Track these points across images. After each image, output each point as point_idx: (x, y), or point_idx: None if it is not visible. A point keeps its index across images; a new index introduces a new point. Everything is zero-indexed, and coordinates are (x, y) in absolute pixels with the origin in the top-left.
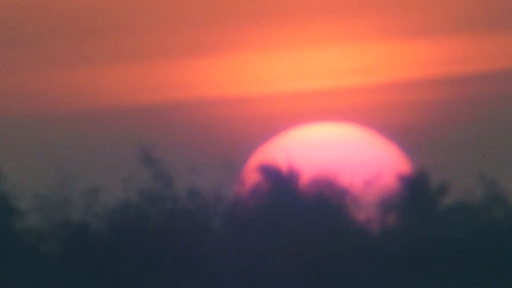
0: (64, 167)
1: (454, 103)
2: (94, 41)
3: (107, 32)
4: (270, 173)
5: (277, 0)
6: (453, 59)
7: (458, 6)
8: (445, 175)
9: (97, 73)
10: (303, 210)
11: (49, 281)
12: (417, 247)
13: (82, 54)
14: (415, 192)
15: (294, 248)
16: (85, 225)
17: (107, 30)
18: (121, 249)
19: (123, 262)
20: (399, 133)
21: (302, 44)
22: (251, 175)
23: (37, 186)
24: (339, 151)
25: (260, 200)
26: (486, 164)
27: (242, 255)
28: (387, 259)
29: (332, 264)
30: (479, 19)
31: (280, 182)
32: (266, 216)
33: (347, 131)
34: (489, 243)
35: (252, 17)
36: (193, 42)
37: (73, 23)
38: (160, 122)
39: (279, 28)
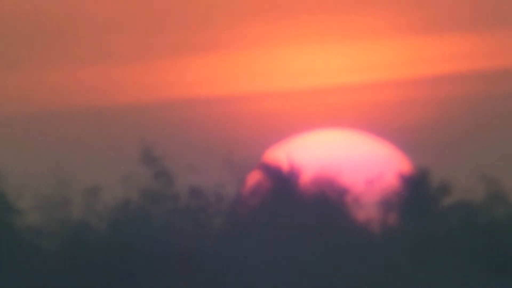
0: (64, 166)
1: (454, 101)
2: (94, 40)
3: (107, 31)
4: (272, 172)
5: None
6: (452, 57)
7: (458, 4)
8: (445, 175)
9: (97, 72)
10: (304, 210)
11: (49, 280)
12: (418, 246)
13: (81, 53)
14: (416, 192)
15: (295, 248)
16: (85, 224)
17: (107, 29)
18: (121, 248)
19: (123, 261)
20: (399, 132)
21: (305, 41)
22: (252, 175)
23: (37, 185)
24: (340, 151)
25: (261, 200)
26: (487, 163)
27: (242, 255)
28: (388, 258)
29: (333, 264)
30: (481, 17)
31: (281, 181)
32: (267, 216)
33: (348, 131)
34: (490, 242)
35: (254, 14)
36: (194, 40)
37: (73, 22)
38: (161, 120)
39: (281, 25)
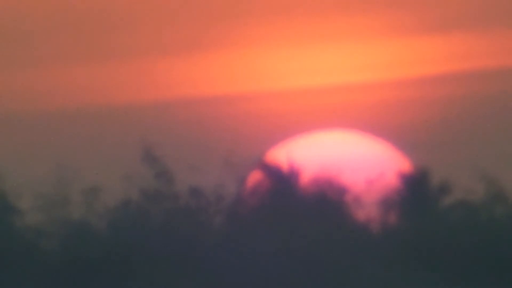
0: (64, 165)
1: (454, 101)
2: (95, 39)
3: (107, 31)
4: (272, 172)
5: None
6: (452, 57)
7: (458, 4)
8: (445, 174)
9: (98, 71)
10: (304, 210)
11: (49, 280)
12: (418, 246)
13: (82, 52)
14: (416, 191)
15: (295, 248)
16: (85, 224)
17: (107, 29)
18: (121, 248)
19: (123, 261)
20: (399, 132)
21: (305, 41)
22: (252, 174)
23: (37, 184)
24: (340, 151)
25: (262, 199)
26: (487, 163)
27: (242, 255)
28: (388, 258)
29: (333, 263)
30: (481, 17)
31: (281, 181)
32: (267, 216)
33: (348, 131)
34: (490, 241)
35: (254, 14)
36: (195, 39)
37: (74, 21)
38: (161, 120)
39: (281, 25)
